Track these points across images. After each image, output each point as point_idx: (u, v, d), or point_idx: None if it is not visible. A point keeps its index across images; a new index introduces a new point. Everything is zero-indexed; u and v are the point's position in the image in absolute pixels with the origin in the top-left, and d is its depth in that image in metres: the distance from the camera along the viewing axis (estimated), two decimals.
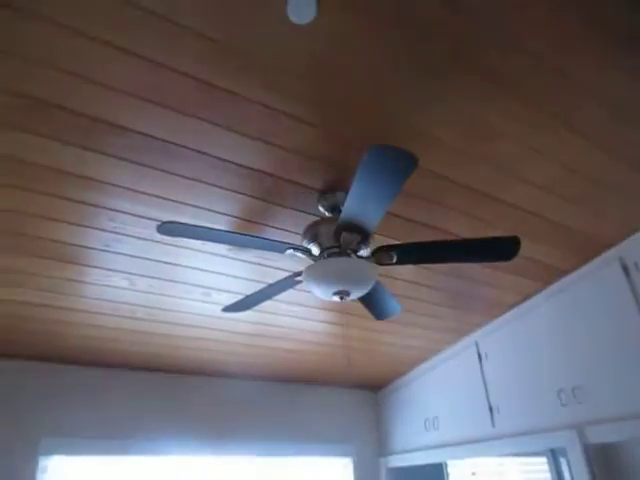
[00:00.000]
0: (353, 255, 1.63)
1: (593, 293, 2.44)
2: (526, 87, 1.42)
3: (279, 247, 1.61)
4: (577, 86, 1.43)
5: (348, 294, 1.59)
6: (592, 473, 2.32)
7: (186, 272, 2.14)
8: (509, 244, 1.59)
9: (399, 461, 3.48)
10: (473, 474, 3.77)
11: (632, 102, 1.50)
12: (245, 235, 1.56)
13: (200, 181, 1.66)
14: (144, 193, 1.69)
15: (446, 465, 3.37)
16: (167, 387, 3.12)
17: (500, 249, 1.62)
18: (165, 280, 2.17)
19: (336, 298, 1.63)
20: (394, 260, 1.66)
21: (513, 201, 1.89)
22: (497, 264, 2.33)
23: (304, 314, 2.60)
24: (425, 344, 3.18)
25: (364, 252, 1.66)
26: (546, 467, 2.75)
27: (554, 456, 2.66)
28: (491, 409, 2.85)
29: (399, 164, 1.17)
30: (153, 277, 2.14)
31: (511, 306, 2.79)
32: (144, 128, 1.44)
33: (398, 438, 3.56)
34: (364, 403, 3.79)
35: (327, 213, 1.76)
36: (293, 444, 3.34)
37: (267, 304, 2.43)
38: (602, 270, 2.40)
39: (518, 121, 1.54)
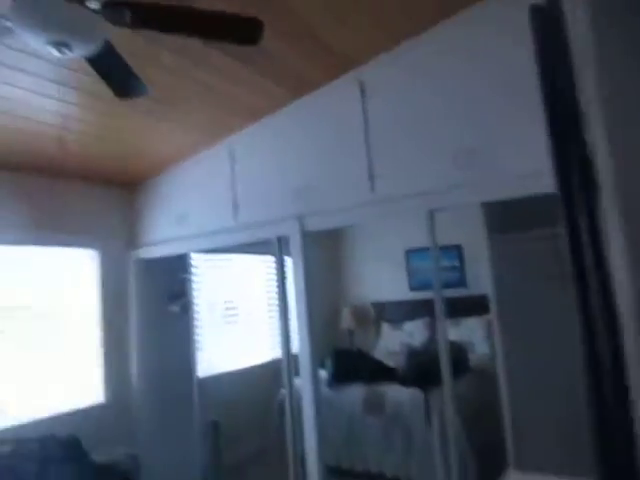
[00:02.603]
0: (77, 3, 1.40)
1: (334, 108, 2.71)
2: None
3: None
4: None
5: (68, 46, 1.40)
6: (305, 256, 2.84)
7: None
8: (252, 25, 1.58)
9: (148, 253, 3.65)
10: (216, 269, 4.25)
11: None
12: None
13: None
14: None
15: (189, 256, 3.71)
16: None
17: (243, 28, 1.60)
18: None
19: (54, 51, 1.42)
20: (128, 20, 1.49)
21: None
22: (249, 63, 2.33)
23: (33, 86, 2.24)
24: (179, 144, 3.17)
25: (93, 4, 1.44)
26: (274, 265, 3.21)
27: (279, 247, 3.11)
28: (235, 205, 3.13)
29: None
30: None
31: (263, 112, 2.92)
32: None
33: (149, 232, 3.68)
34: (114, 199, 3.71)
35: None
36: (34, 234, 3.14)
37: None
38: (343, 87, 2.65)
39: None
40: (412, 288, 5.24)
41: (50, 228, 3.26)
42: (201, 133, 3.07)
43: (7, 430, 2.81)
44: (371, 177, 2.57)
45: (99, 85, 1.87)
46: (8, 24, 1.46)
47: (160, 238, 3.59)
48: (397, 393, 3.46)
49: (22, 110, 2.44)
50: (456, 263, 4.76)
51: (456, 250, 4.74)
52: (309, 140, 2.81)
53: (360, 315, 5.54)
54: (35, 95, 2.32)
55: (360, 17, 2.12)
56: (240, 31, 1.61)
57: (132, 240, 3.76)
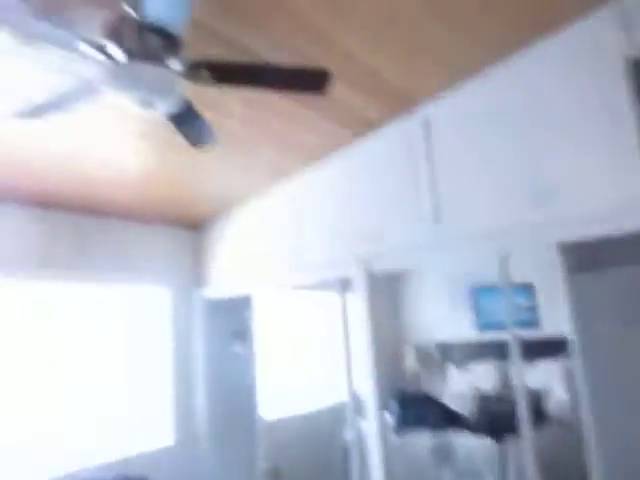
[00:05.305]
0: (159, 64, 1.50)
1: (397, 147, 2.72)
2: None
3: (70, 39, 1.39)
4: None
5: (151, 104, 1.50)
6: (370, 297, 2.80)
7: None
8: (320, 75, 1.63)
9: (213, 293, 3.74)
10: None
11: None
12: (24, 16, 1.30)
13: None
14: None
15: (252, 297, 3.78)
16: None
17: (312, 79, 1.65)
18: None
19: (141, 109, 1.52)
20: (207, 78, 1.58)
21: (334, 38, 1.90)
22: (314, 107, 2.40)
23: (116, 139, 2.41)
24: (244, 186, 3.28)
25: (174, 65, 1.55)
26: (337, 300, 3.22)
27: (343, 288, 3.10)
28: (299, 247, 3.16)
29: None
30: None
31: (326, 153, 2.97)
32: None
33: (214, 273, 3.78)
34: (183, 240, 3.85)
35: (133, 12, 1.55)
36: (110, 272, 3.31)
37: (73, 125, 2.17)
38: (406, 125, 2.66)
39: None
40: (479, 328, 4.99)
41: (122, 268, 3.42)
42: (265, 176, 3.17)
43: (83, 471, 2.90)
44: (437, 218, 2.52)
45: (177, 137, 1.98)
46: (99, 84, 1.60)
47: (225, 279, 3.68)
48: (468, 442, 3.25)
49: (102, 160, 2.63)
50: (528, 302, 4.51)
51: (526, 288, 4.51)
52: (372, 180, 2.82)
53: (424, 356, 5.35)
54: (119, 148, 2.49)
55: (424, 56, 2.14)
56: (310, 82, 1.67)
57: (199, 280, 3.87)
